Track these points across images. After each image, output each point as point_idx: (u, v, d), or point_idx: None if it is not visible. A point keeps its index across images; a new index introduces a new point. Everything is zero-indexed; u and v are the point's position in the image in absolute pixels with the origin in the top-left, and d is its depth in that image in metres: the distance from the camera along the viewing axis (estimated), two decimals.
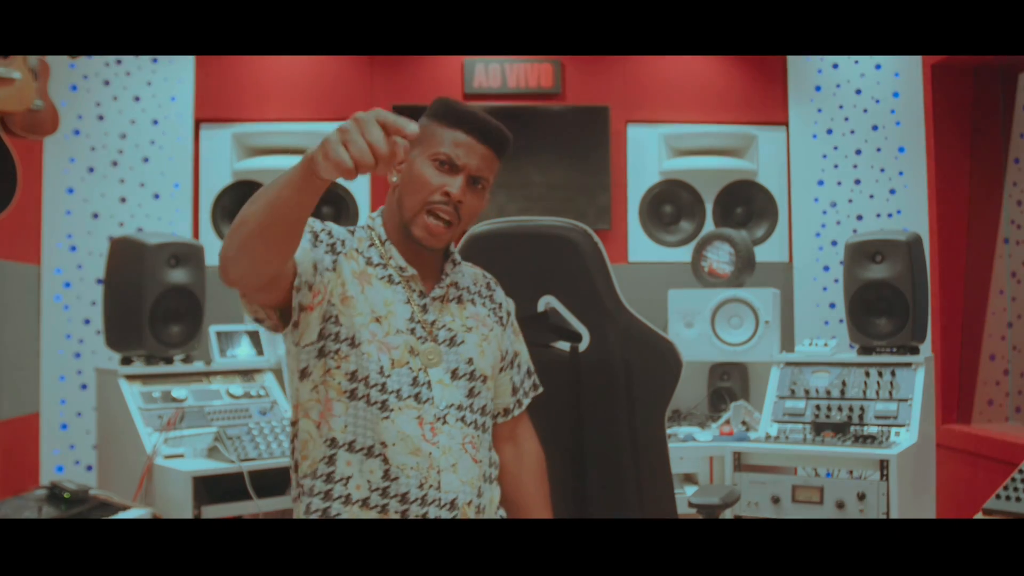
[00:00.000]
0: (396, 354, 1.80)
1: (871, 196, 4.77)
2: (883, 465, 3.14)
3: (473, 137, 1.83)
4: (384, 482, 1.77)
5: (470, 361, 1.88)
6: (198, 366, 3.57)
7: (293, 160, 4.55)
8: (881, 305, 3.58)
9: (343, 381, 1.78)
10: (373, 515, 1.77)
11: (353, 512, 1.77)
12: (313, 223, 1.81)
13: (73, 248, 4.40)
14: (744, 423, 3.76)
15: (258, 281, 1.66)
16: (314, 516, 1.80)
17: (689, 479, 3.77)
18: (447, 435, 1.81)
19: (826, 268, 4.79)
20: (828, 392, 3.53)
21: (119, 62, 4.48)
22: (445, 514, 1.78)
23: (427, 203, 1.81)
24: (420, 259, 1.88)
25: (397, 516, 1.77)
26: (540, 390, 2.09)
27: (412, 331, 1.83)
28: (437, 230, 1.82)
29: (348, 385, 1.78)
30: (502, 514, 1.97)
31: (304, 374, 1.82)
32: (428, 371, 1.82)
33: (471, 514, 1.82)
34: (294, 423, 1.86)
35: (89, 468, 4.26)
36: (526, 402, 2.05)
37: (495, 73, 4.78)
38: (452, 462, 1.81)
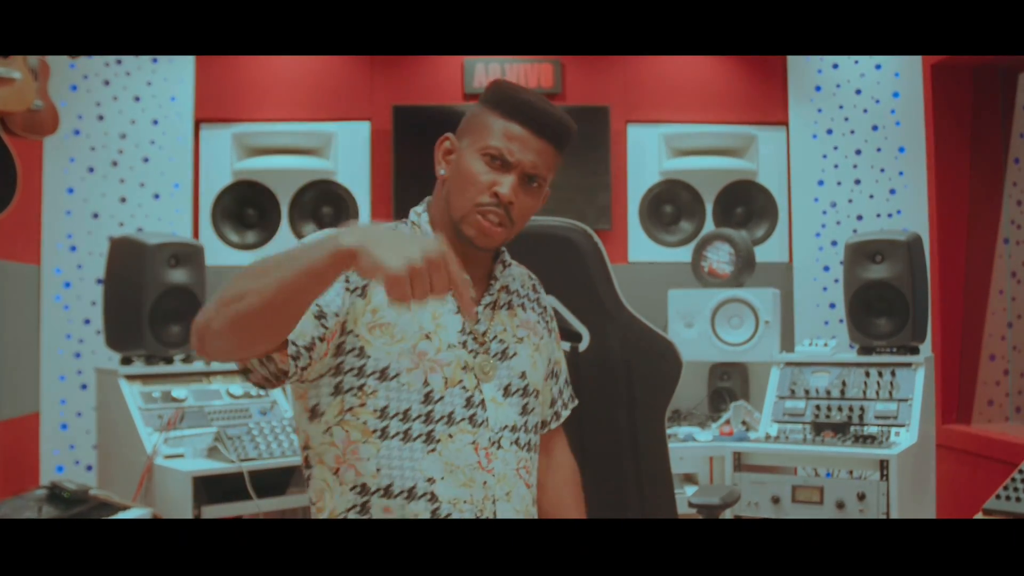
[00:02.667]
0: (449, 372, 1.59)
1: (871, 196, 4.77)
2: (883, 465, 3.14)
3: (529, 129, 1.60)
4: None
5: (523, 375, 1.68)
6: (198, 366, 3.57)
7: (292, 160, 4.60)
8: (881, 305, 3.58)
9: (370, 419, 1.56)
10: None
11: None
12: None
13: (73, 248, 4.40)
14: (744, 423, 3.76)
15: (241, 357, 1.47)
16: None
17: (689, 479, 3.77)
18: (502, 460, 1.62)
19: (826, 268, 4.79)
20: (828, 392, 3.53)
21: (119, 62, 4.48)
22: None
23: (475, 204, 1.60)
24: (470, 261, 1.63)
25: None
26: (576, 402, 1.92)
27: (464, 344, 1.62)
28: (491, 231, 1.61)
29: (377, 424, 1.56)
30: None
31: (314, 413, 1.60)
32: (482, 388, 1.62)
33: None
34: (307, 466, 1.64)
35: (89, 468, 4.26)
36: (564, 414, 1.87)
37: (495, 73, 4.78)
38: (507, 490, 1.63)
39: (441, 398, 1.58)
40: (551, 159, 1.65)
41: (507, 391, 1.66)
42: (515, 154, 1.60)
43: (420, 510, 1.56)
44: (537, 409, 1.73)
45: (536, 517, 1.75)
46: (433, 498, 1.57)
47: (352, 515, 1.58)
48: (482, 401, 1.62)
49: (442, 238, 1.34)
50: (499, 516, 1.61)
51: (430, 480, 1.57)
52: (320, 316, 1.52)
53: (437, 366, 1.59)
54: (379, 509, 1.57)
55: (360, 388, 1.57)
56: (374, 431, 1.57)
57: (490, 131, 1.62)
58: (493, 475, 1.61)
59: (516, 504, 1.64)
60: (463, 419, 1.59)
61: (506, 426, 1.64)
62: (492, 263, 1.74)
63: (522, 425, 1.67)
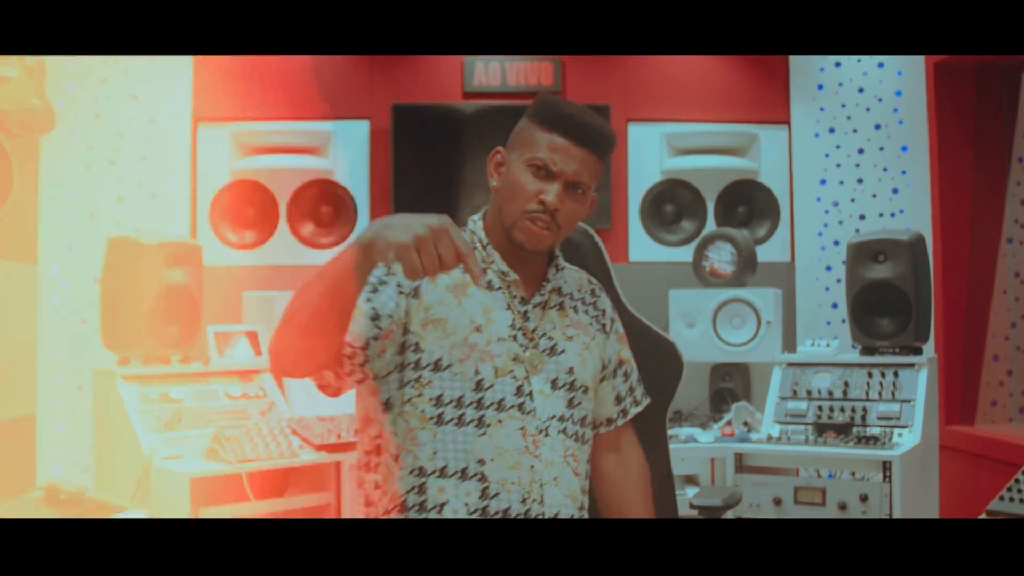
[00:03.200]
0: (500, 362, 1.73)
1: (874, 195, 4.75)
2: (886, 466, 3.12)
3: (570, 140, 1.74)
4: (483, 502, 1.70)
5: (571, 371, 1.81)
6: (196, 367, 3.55)
7: (291, 159, 4.58)
8: (884, 305, 3.56)
9: (427, 408, 1.71)
10: None
11: None
12: (370, 277, 1.66)
13: (70, 248, 4.38)
14: (746, 424, 3.74)
15: (311, 367, 1.65)
16: None
17: (690, 480, 3.75)
18: (549, 447, 1.74)
19: (828, 268, 4.77)
20: (830, 393, 3.51)
21: (116, 61, 4.46)
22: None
23: (524, 211, 1.74)
24: (522, 264, 1.81)
25: None
26: (648, 400, 2.01)
27: (514, 338, 1.76)
28: (539, 235, 1.75)
29: (433, 411, 1.71)
30: None
31: (387, 406, 1.74)
32: (531, 379, 1.75)
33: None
34: (376, 454, 1.77)
35: (86, 469, 4.24)
36: (633, 411, 1.96)
37: (495, 72, 4.76)
38: (554, 475, 1.74)
39: (492, 386, 1.72)
40: (594, 167, 1.78)
41: (554, 384, 1.79)
42: (559, 164, 1.74)
43: (472, 489, 1.70)
44: (584, 404, 1.84)
45: (584, 504, 1.83)
46: (483, 478, 1.70)
47: (412, 496, 1.71)
48: (531, 392, 1.75)
49: (446, 217, 1.47)
50: (546, 500, 1.73)
51: (480, 461, 1.70)
52: (375, 318, 1.68)
53: (488, 356, 1.73)
54: (435, 489, 1.70)
55: (417, 380, 1.71)
56: (431, 418, 1.71)
57: (535, 143, 1.75)
58: (540, 460, 1.73)
59: (564, 489, 1.75)
60: (513, 406, 1.73)
61: (553, 416, 1.77)
62: (546, 266, 1.87)
63: (569, 416, 1.79)
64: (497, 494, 1.70)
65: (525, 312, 1.79)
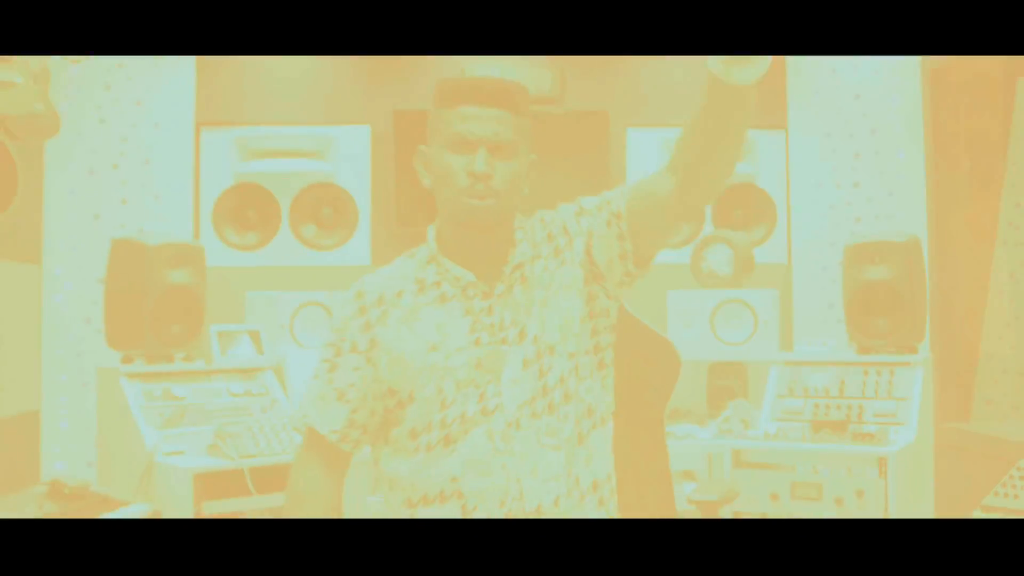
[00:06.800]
0: (461, 374, 1.68)
1: (869, 199, 4.78)
2: (882, 463, 3.15)
3: (476, 104, 1.70)
4: (463, 517, 1.66)
5: (534, 340, 1.70)
6: (199, 364, 3.58)
7: (293, 163, 4.61)
8: (879, 307, 3.58)
9: (405, 442, 1.71)
10: None
11: None
12: (323, 354, 1.78)
13: (74, 248, 4.41)
14: (743, 421, 3.76)
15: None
16: None
17: (688, 476, 3.77)
18: (520, 440, 1.67)
19: (825, 269, 4.80)
20: (827, 391, 3.54)
21: (120, 66, 4.50)
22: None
23: (459, 190, 1.68)
24: (485, 255, 1.73)
25: None
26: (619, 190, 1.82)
27: (477, 341, 1.69)
28: (479, 208, 1.67)
29: (411, 444, 1.70)
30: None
31: (382, 444, 1.78)
32: (500, 378, 1.68)
33: (565, 507, 1.68)
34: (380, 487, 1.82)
35: (90, 464, 4.26)
36: (618, 201, 1.79)
37: (495, 74, 4.79)
38: (531, 466, 1.67)
39: (454, 401, 1.67)
40: (512, 123, 1.71)
41: (524, 364, 1.70)
42: (474, 131, 1.68)
43: (454, 509, 1.66)
44: (555, 363, 1.71)
45: (576, 475, 1.71)
46: (460, 495, 1.66)
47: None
48: (499, 390, 1.68)
49: None
50: (525, 494, 1.66)
51: (454, 479, 1.66)
52: (340, 396, 1.74)
53: (448, 372, 1.68)
54: (426, 516, 1.68)
55: (399, 417, 1.72)
56: (407, 450, 1.71)
57: (447, 122, 1.71)
58: (514, 456, 1.67)
59: (544, 474, 1.67)
60: (475, 412, 1.67)
61: (524, 402, 1.68)
62: (509, 245, 1.76)
63: (539, 390, 1.69)
64: (476, 507, 1.65)
65: (489, 306, 1.71)
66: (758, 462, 3.41)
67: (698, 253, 4.35)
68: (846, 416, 3.43)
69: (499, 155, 1.70)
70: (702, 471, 3.70)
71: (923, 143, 4.60)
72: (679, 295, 4.26)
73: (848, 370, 3.54)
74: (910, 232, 3.74)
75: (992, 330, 4.36)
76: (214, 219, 4.64)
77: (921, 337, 3.59)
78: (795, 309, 4.78)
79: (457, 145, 1.69)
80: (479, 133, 1.69)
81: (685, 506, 2.62)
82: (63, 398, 4.34)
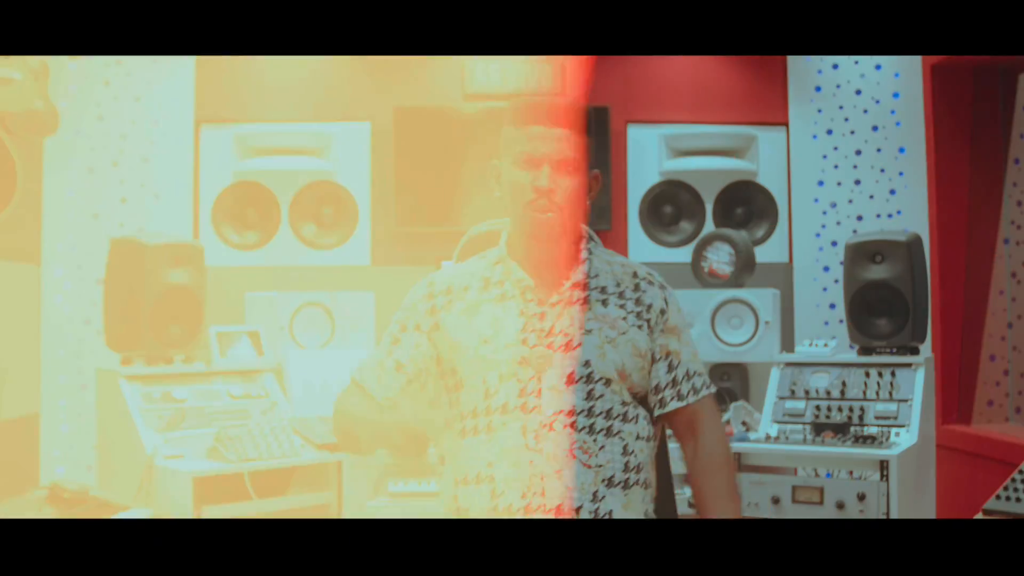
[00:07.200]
0: (504, 368, 1.83)
1: (871, 196, 4.77)
2: (883, 466, 3.14)
3: (544, 125, 1.85)
4: (492, 501, 1.80)
5: (587, 364, 1.83)
6: (199, 367, 3.57)
7: (294, 160, 4.60)
8: (881, 306, 3.57)
9: (457, 423, 1.88)
10: None
11: None
12: (388, 330, 1.99)
13: (73, 248, 4.40)
14: (744, 423, 3.76)
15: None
16: None
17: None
18: (553, 442, 1.80)
19: (826, 268, 4.79)
20: (828, 393, 3.53)
21: (119, 62, 4.48)
22: None
23: (525, 204, 1.86)
24: (550, 264, 1.90)
25: None
26: (699, 397, 1.94)
27: (524, 341, 1.84)
28: (542, 220, 1.85)
29: (460, 424, 1.87)
30: (649, 513, 1.91)
31: (443, 425, 1.94)
32: (541, 378, 1.82)
33: (584, 517, 1.78)
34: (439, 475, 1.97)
35: (89, 468, 4.26)
36: (673, 404, 1.91)
37: (495, 74, 4.78)
38: (557, 468, 1.79)
39: (496, 392, 1.83)
40: (573, 141, 1.86)
41: (569, 379, 1.83)
42: (540, 149, 1.84)
43: (485, 491, 1.81)
44: (609, 396, 1.85)
45: (616, 497, 1.81)
46: (492, 480, 1.81)
47: (451, 504, 1.88)
48: (538, 390, 1.82)
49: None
50: (547, 492, 1.78)
51: (489, 465, 1.82)
52: (398, 367, 1.93)
53: (494, 365, 1.84)
54: (463, 496, 1.85)
55: (452, 399, 1.91)
56: (459, 431, 1.87)
57: (516, 140, 1.88)
58: (542, 455, 1.79)
59: (568, 482, 1.79)
60: (516, 408, 1.81)
61: (560, 411, 1.82)
62: (574, 261, 1.93)
63: (585, 409, 1.82)
64: (503, 492, 1.79)
65: (543, 312, 1.87)
66: (759, 465, 3.40)
67: (699, 252, 4.34)
68: (847, 418, 3.42)
69: (561, 171, 1.85)
70: None
71: (924, 140, 4.59)
72: (680, 294, 4.23)
73: (849, 371, 3.53)
74: (912, 230, 3.72)
75: (994, 331, 4.35)
76: (213, 218, 4.63)
77: (923, 338, 3.57)
78: (796, 309, 4.78)
79: (524, 162, 1.86)
80: (544, 151, 1.85)
81: (686, 510, 2.61)
82: (62, 401, 4.34)
